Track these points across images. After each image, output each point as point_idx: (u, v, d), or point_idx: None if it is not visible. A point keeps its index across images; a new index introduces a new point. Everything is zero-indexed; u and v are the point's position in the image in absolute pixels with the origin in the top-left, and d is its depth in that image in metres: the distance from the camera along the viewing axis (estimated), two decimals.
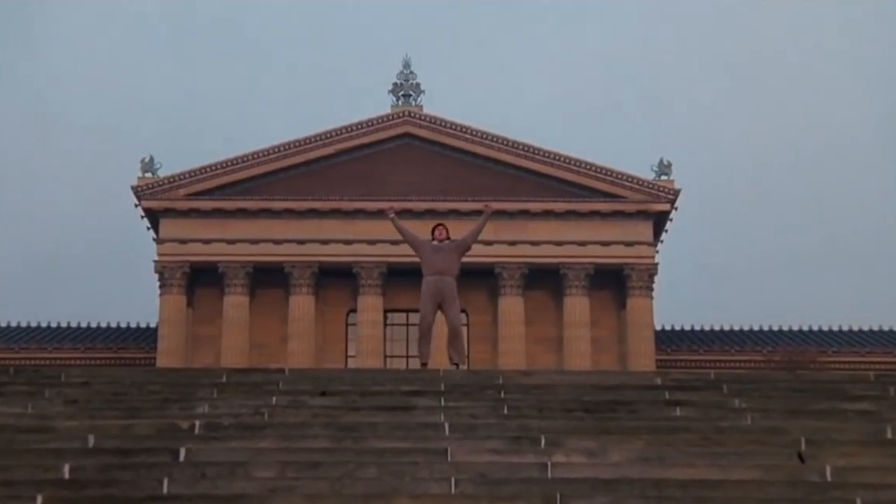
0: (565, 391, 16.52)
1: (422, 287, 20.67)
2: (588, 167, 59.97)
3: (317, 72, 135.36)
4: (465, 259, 21.53)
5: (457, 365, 20.14)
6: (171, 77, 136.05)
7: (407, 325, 60.56)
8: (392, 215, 21.33)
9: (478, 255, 55.99)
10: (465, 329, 59.68)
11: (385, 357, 59.23)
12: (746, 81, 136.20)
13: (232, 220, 59.50)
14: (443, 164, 60.71)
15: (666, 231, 61.88)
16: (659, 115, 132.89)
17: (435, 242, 20.86)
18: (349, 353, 59.97)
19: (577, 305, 59.04)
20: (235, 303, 58.94)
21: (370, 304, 58.94)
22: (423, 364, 20.10)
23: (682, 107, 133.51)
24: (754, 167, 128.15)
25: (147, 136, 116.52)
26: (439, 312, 20.69)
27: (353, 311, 60.05)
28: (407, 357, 59.90)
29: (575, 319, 58.87)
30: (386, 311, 59.75)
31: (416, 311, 59.78)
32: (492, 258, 58.59)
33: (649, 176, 60.47)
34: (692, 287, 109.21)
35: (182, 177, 59.74)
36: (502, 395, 16.29)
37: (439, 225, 21.22)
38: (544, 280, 59.81)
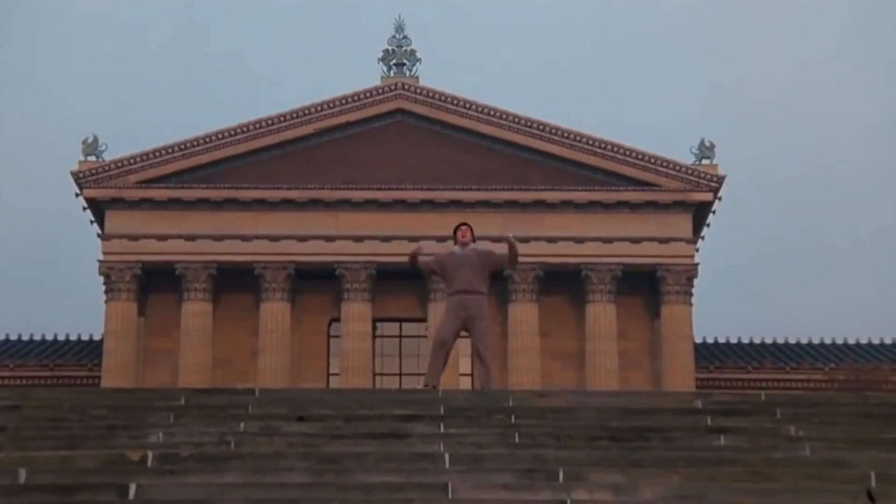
0: (588, 415, 16.51)
1: (446, 305, 20.51)
2: (615, 149, 59.99)
3: (299, 42, 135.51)
4: None
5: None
6: (129, 49, 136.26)
7: (399, 336, 60.55)
8: (421, 257, 20.81)
9: None
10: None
11: (374, 375, 59.24)
12: (793, 52, 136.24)
13: (192, 212, 59.50)
14: (442, 147, 60.73)
15: (708, 225, 61.90)
16: (692, 92, 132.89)
17: (457, 249, 20.57)
18: (331, 371, 59.97)
19: (602, 314, 59.07)
20: (196, 311, 58.96)
21: (356, 313, 58.96)
22: (429, 387, 19.94)
23: (718, 81, 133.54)
24: (810, 150, 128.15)
25: (102, 117, 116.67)
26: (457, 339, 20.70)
27: (336, 320, 60.06)
28: (400, 375, 59.86)
29: (599, 330, 58.89)
30: (375, 321, 59.76)
31: (410, 320, 60.21)
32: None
33: (688, 160, 60.51)
34: (739, 292, 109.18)
35: (132, 160, 59.76)
36: (513, 419, 16.29)
37: (463, 225, 20.86)
38: (563, 284, 59.81)
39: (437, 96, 60.98)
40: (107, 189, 59.50)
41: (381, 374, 59.92)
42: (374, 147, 60.71)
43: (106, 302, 59.52)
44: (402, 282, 57.59)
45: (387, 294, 59.33)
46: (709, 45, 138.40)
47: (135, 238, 59.41)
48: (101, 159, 60.03)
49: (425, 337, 58.41)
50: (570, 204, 59.67)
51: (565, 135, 60.24)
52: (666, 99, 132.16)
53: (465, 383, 54.16)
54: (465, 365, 53.29)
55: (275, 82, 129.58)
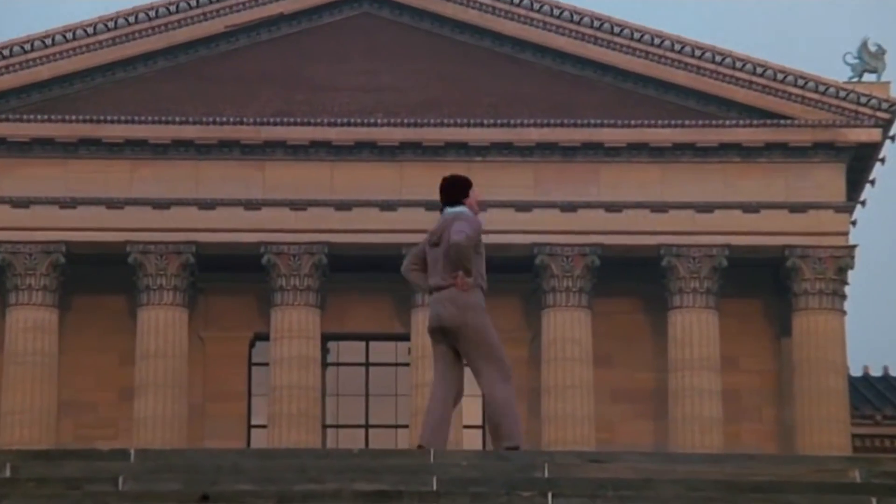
0: (673, 492, 16.58)
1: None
2: (718, 59, 59.93)
3: None
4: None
5: (515, 447, 20.12)
6: None
7: (366, 364, 60.69)
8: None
9: (504, 230, 55.96)
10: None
11: (324, 427, 59.35)
12: None
13: (24, 160, 59.54)
14: (435, 57, 60.74)
15: (871, 183, 61.80)
16: None
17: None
18: (255, 421, 60.09)
19: (696, 328, 59.11)
20: (30, 322, 59.01)
21: (296, 325, 59.01)
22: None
23: None
24: None
25: None
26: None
27: (263, 338, 60.13)
28: (366, 427, 60.00)
29: (691, 354, 58.94)
30: (326, 339, 59.84)
31: (382, 338, 60.23)
32: (531, 236, 58.62)
33: (841, 76, 60.41)
34: None
35: None
36: (550, 498, 16.34)
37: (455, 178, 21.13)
38: (631, 278, 59.89)
39: None
40: None
41: (336, 426, 60.05)
42: (324, 57, 60.74)
43: None
44: (369, 276, 57.59)
45: (345, 296, 59.40)
46: None
47: None
48: None
49: (408, 365, 58.50)
50: (643, 148, 59.68)
51: (636, 35, 60.11)
52: None
53: (472, 440, 54.27)
54: (471, 412, 53.36)
55: None
